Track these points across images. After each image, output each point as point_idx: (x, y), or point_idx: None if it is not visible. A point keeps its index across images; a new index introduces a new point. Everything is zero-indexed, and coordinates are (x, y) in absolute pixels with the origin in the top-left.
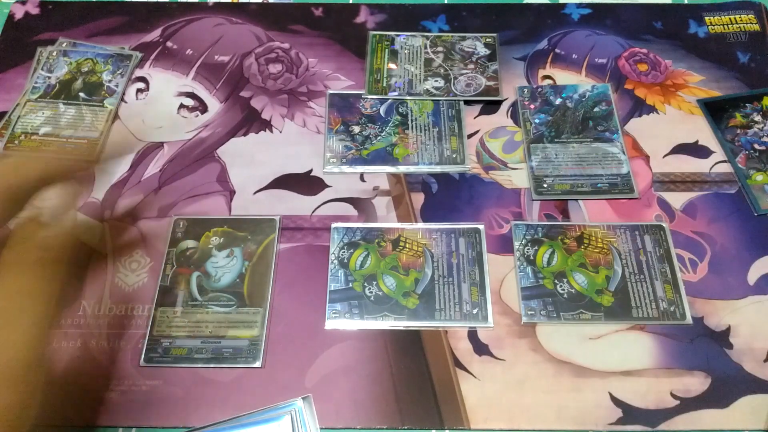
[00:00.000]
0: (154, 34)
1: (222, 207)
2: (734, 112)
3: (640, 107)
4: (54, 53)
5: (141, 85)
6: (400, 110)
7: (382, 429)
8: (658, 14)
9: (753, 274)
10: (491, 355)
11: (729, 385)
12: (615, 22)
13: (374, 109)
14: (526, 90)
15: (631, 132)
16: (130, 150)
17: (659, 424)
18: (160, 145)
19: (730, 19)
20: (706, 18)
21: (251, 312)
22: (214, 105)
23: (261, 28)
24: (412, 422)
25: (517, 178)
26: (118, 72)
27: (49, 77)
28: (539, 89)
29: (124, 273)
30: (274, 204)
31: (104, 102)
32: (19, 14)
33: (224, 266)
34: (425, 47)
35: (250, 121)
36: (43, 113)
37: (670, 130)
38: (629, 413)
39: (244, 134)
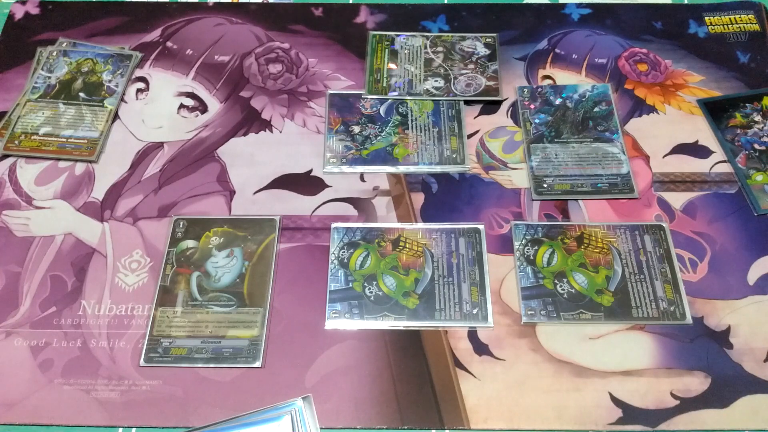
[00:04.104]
0: (154, 34)
1: (222, 207)
2: (734, 112)
3: (640, 107)
4: (54, 53)
5: (141, 85)
6: (400, 110)
7: (382, 429)
8: (658, 14)
9: (753, 274)
10: (491, 355)
11: (729, 385)
12: (615, 22)
13: (374, 109)
14: (526, 90)
15: (631, 132)
16: None
17: (659, 424)
18: (160, 145)
19: (730, 19)
20: (706, 18)
21: (251, 312)
22: (214, 105)
23: (261, 28)
24: (412, 422)
25: (517, 178)
26: (118, 72)
27: (49, 77)
28: (539, 89)
29: (124, 273)
30: (274, 204)
31: (104, 102)
32: (19, 14)
33: (224, 266)
34: (425, 47)
35: (250, 121)
36: (43, 113)
37: (670, 130)
38: (629, 413)
39: (244, 134)
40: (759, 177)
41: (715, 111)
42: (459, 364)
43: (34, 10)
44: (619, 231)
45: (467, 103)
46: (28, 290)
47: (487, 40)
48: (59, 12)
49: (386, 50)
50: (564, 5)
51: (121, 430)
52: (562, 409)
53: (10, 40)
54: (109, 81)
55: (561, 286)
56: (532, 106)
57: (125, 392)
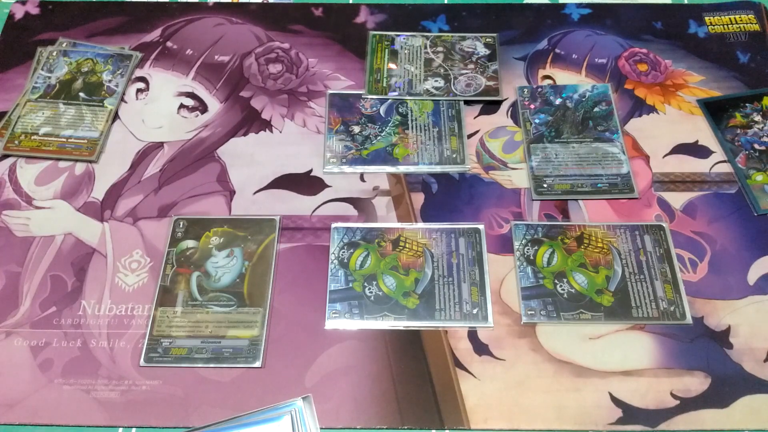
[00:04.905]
0: (154, 34)
1: (222, 207)
2: (734, 112)
3: (640, 107)
4: (54, 53)
5: (141, 85)
6: (400, 110)
7: (382, 429)
8: (658, 14)
9: (753, 274)
10: (491, 355)
11: (729, 385)
12: (615, 22)
13: (374, 109)
14: (526, 90)
15: (631, 132)
16: None
17: (659, 424)
18: (160, 145)
19: (730, 19)
20: (706, 18)
21: (251, 312)
22: (214, 105)
23: (261, 28)
24: (412, 422)
25: (517, 178)
26: (118, 72)
27: (49, 77)
28: (539, 89)
29: (124, 273)
30: (274, 204)
31: (104, 102)
32: (19, 14)
33: (224, 266)
34: (425, 47)
35: (250, 121)
36: (43, 113)
37: (670, 130)
38: (629, 413)
39: (244, 134)
40: (759, 177)
41: (715, 111)
42: (459, 364)
43: (34, 10)
44: (619, 231)
45: (467, 103)
46: (28, 290)
47: (487, 40)
48: (59, 12)
49: (386, 50)
50: (564, 5)
51: (121, 430)
52: (562, 409)
53: (10, 40)
54: (109, 81)
55: (561, 286)
56: (532, 106)
57: (125, 392)
